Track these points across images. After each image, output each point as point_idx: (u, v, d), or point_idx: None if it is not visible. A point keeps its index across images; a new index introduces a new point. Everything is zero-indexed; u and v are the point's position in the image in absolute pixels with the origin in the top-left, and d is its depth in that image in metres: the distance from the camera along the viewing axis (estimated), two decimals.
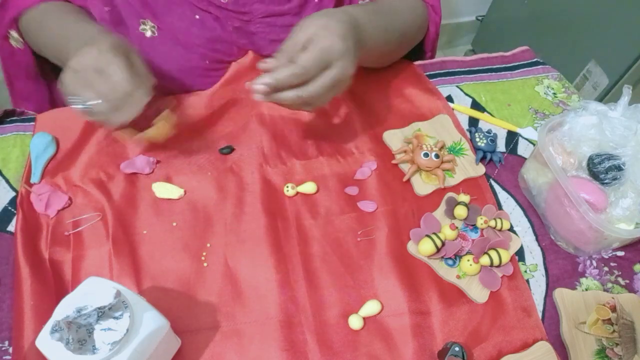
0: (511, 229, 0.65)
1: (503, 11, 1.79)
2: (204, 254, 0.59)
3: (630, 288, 0.62)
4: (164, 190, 0.63)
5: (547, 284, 0.61)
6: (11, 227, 0.60)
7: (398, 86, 0.78)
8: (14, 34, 0.72)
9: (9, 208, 0.62)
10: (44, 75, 0.79)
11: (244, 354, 0.53)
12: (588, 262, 0.63)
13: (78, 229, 0.59)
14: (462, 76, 0.82)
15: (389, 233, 0.62)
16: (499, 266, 0.60)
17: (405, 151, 0.69)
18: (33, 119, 0.70)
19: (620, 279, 0.63)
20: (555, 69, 0.85)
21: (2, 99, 0.84)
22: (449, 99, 0.79)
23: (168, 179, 0.65)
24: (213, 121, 0.70)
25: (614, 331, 0.56)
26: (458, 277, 0.60)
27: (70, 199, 0.62)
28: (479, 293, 0.59)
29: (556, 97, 0.81)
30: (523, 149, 0.74)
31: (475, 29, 1.99)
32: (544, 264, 0.63)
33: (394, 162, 0.68)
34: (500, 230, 0.63)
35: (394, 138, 0.71)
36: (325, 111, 0.72)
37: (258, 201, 0.63)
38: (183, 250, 0.59)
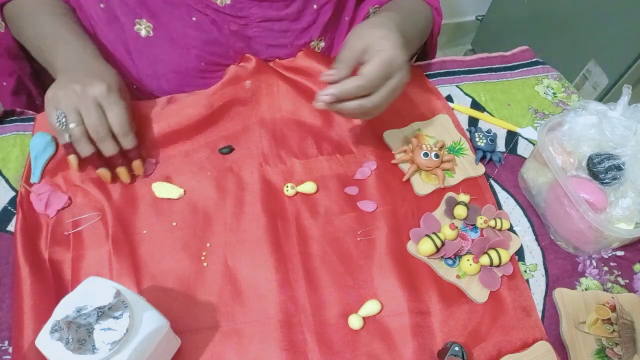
0: (511, 229, 0.65)
1: (503, 11, 1.79)
2: (204, 254, 0.59)
3: (630, 288, 0.62)
4: (164, 190, 0.63)
5: (547, 284, 0.61)
6: (11, 227, 0.60)
7: None
8: None
9: (9, 208, 0.62)
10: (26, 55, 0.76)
11: (244, 354, 0.53)
12: (588, 262, 0.63)
13: (78, 229, 0.59)
14: (462, 76, 0.82)
15: (389, 233, 0.62)
16: (499, 266, 0.60)
17: (405, 151, 0.69)
18: (33, 119, 0.69)
19: (620, 279, 0.63)
20: (555, 69, 0.85)
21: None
22: (449, 99, 0.79)
23: (168, 179, 0.65)
24: (213, 121, 0.70)
25: (614, 331, 0.56)
26: (458, 277, 0.60)
27: (70, 199, 0.62)
28: (479, 293, 0.59)
29: (556, 97, 0.81)
30: (523, 149, 0.74)
31: (475, 29, 1.99)
32: (544, 264, 0.63)
33: (394, 162, 0.68)
34: (500, 230, 0.63)
35: (394, 138, 0.71)
36: (325, 111, 0.72)
37: (258, 201, 0.63)
38: (183, 250, 0.59)
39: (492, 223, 0.63)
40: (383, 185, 0.66)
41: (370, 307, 0.56)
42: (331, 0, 0.73)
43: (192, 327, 0.54)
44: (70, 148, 0.59)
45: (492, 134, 0.72)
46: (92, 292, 0.42)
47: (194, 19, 0.68)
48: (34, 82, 0.80)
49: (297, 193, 0.64)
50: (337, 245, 0.61)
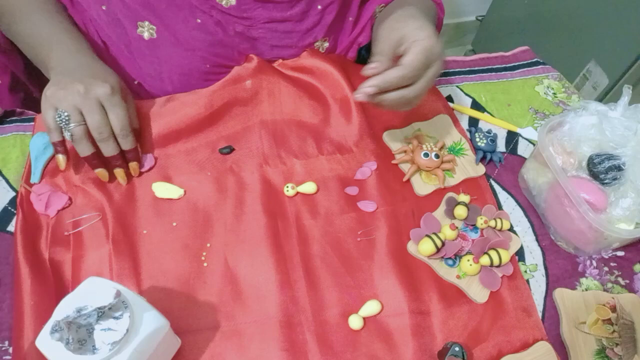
0: (511, 229, 0.65)
1: (503, 11, 1.79)
2: (204, 254, 0.59)
3: (630, 288, 0.62)
4: (164, 190, 0.63)
5: (547, 284, 0.61)
6: (11, 227, 0.60)
7: None
8: None
9: (9, 208, 0.62)
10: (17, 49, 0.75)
11: (244, 354, 0.53)
12: (588, 262, 0.63)
13: (78, 229, 0.59)
14: (462, 76, 0.82)
15: (389, 233, 0.62)
16: (499, 266, 0.60)
17: (405, 151, 0.69)
18: (33, 119, 0.69)
19: (620, 279, 0.63)
20: (555, 69, 0.85)
21: None
22: (449, 99, 0.79)
23: (168, 179, 0.65)
24: (213, 121, 0.70)
25: (614, 331, 0.56)
26: (458, 277, 0.60)
27: (70, 199, 0.62)
28: (479, 293, 0.59)
29: (556, 97, 0.81)
30: (523, 149, 0.74)
31: (475, 29, 1.99)
32: (544, 264, 0.63)
33: (394, 162, 0.68)
34: (500, 230, 0.63)
35: (394, 138, 0.71)
36: (325, 111, 0.72)
37: (258, 201, 0.63)
38: (183, 250, 0.59)
39: (492, 223, 0.63)
40: (383, 185, 0.66)
41: (370, 307, 0.56)
42: (335, 1, 0.73)
43: (192, 327, 0.54)
44: (60, 147, 0.59)
45: (492, 134, 0.72)
46: (92, 292, 0.42)
47: (199, 20, 0.68)
48: (28, 77, 0.79)
49: (297, 193, 0.64)
50: (337, 245, 0.61)
